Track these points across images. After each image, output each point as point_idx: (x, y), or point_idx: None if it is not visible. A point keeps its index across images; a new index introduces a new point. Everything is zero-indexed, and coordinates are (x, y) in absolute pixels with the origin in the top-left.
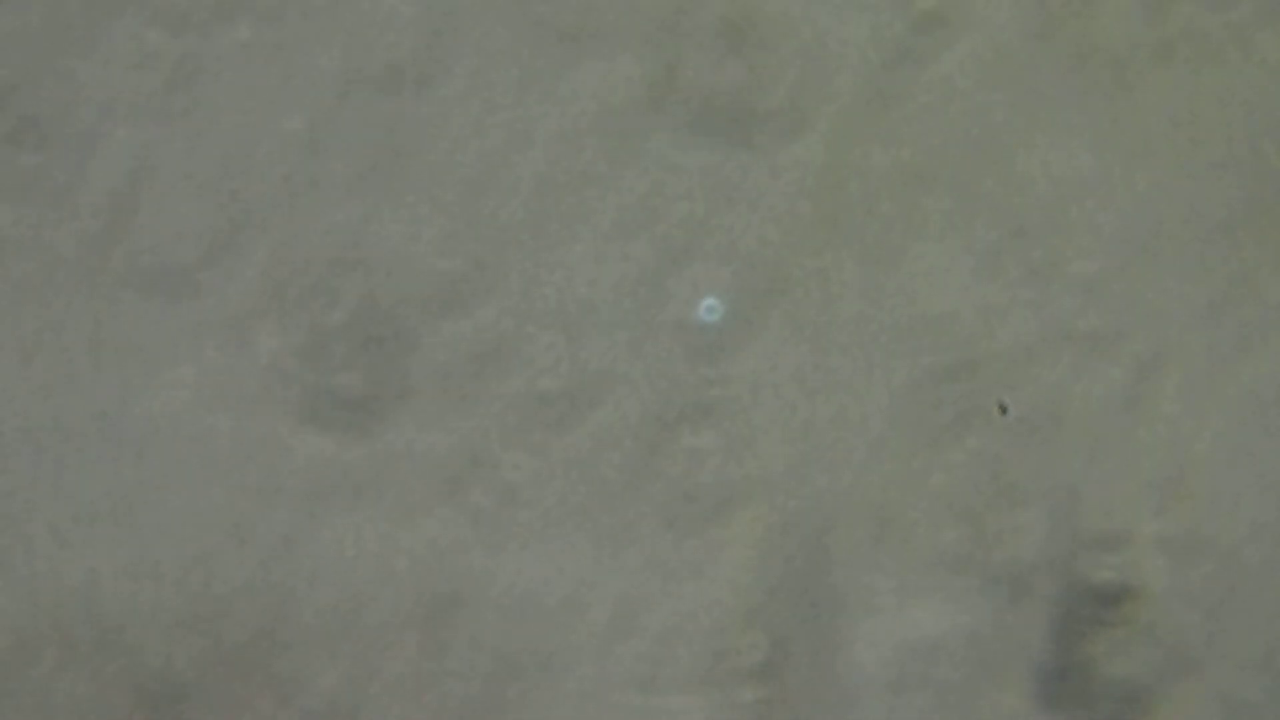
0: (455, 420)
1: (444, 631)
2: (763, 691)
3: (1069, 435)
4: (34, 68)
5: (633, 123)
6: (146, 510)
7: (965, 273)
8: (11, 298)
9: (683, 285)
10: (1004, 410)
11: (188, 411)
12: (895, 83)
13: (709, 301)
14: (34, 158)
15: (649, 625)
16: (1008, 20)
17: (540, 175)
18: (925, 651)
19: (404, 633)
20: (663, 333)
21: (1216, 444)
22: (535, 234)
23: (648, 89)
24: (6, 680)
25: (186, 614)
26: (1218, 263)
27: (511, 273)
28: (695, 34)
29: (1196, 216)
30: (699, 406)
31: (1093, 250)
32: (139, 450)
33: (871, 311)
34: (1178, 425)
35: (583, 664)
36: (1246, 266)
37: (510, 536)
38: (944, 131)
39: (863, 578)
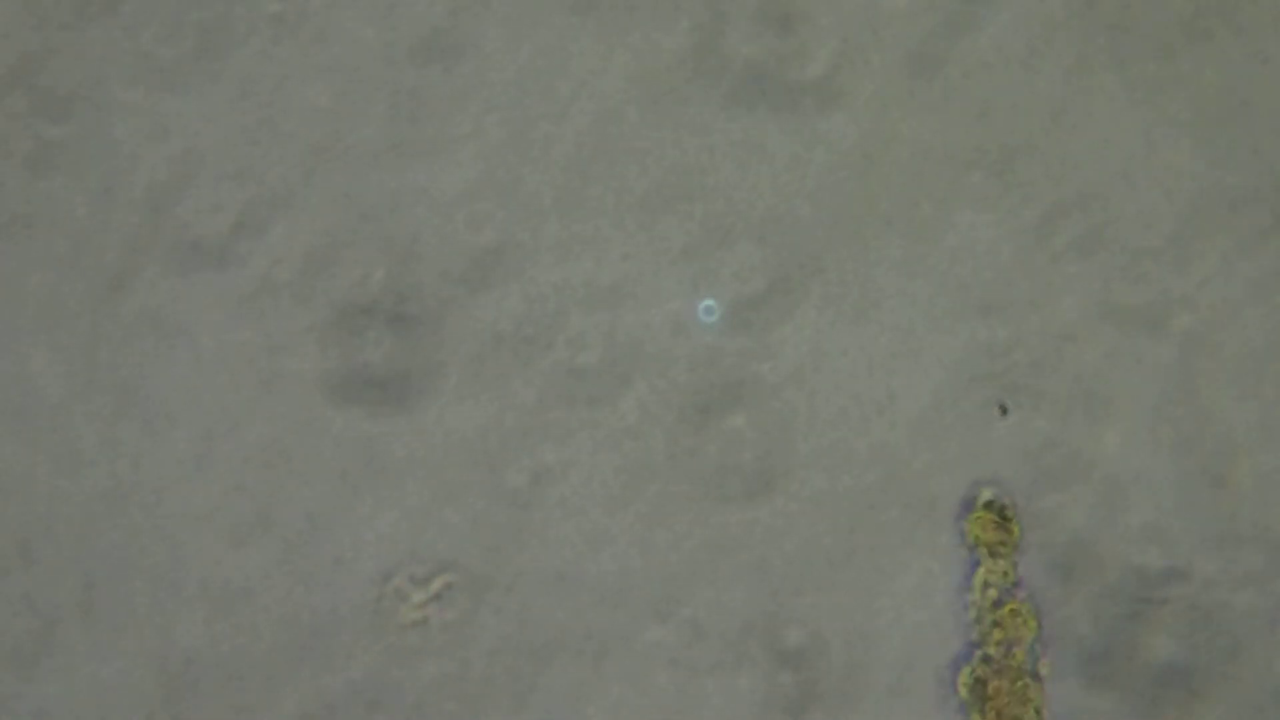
0: (488, 397)
1: (480, 611)
2: (801, 675)
3: (1114, 414)
4: (55, 37)
5: (669, 93)
6: (163, 484)
7: (1008, 247)
8: (32, 270)
9: (720, 259)
10: (1004, 411)
11: (209, 385)
12: (937, 53)
13: (707, 303)
14: (56, 129)
15: (689, 605)
16: None
17: (573, 147)
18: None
19: (438, 613)
20: (700, 307)
21: (1266, 424)
22: (569, 207)
23: (685, 58)
24: (31, 659)
25: (209, 595)
26: (1271, 235)
27: (544, 247)
28: (735, 1)
29: (1248, 187)
30: (737, 382)
31: (1139, 223)
32: (154, 424)
33: (912, 287)
34: (1227, 405)
35: (623, 644)
36: None
37: (546, 515)
38: (987, 102)
39: (902, 558)
